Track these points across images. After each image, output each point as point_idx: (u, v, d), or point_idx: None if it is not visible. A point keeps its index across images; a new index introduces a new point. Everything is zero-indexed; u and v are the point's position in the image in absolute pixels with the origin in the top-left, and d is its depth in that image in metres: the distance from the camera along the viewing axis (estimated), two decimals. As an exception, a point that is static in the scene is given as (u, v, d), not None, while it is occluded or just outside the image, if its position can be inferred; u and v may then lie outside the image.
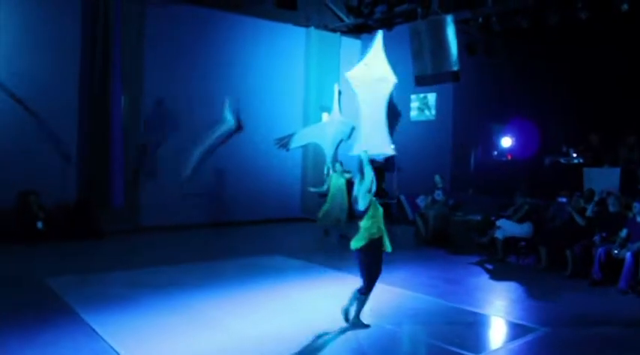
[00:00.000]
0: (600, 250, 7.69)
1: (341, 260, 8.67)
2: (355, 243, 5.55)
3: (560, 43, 11.42)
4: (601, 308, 6.75)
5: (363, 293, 5.57)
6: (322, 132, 10.67)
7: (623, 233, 7.59)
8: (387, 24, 13.18)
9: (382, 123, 7.32)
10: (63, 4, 10.55)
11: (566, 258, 8.22)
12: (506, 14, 10.77)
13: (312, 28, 13.81)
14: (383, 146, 7.24)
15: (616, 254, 7.49)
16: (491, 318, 6.33)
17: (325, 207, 10.42)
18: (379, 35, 7.68)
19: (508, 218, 9.43)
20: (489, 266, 8.97)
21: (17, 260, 8.53)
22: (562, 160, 11.53)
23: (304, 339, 5.28)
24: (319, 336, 5.42)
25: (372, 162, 6.08)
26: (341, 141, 10.38)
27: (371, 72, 7.47)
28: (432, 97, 13.14)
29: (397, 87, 15.04)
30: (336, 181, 10.38)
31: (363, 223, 5.53)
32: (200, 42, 12.15)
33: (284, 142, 10.47)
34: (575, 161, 11.31)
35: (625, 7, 9.14)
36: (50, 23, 10.38)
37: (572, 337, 5.60)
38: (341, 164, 10.58)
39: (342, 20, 14.00)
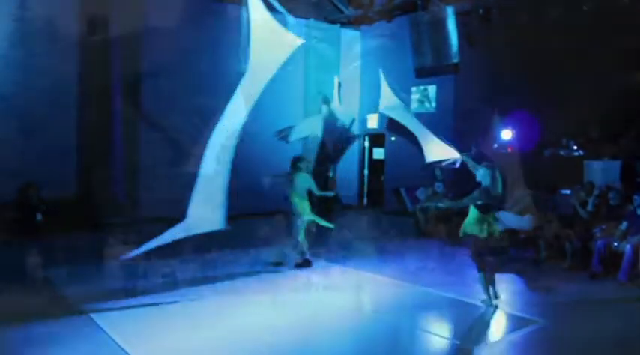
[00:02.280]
0: (600, 243, 7.69)
1: (337, 253, 8.69)
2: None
3: (561, 35, 11.36)
4: (600, 300, 6.76)
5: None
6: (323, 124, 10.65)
7: (623, 226, 7.59)
8: (387, 15, 13.14)
9: None
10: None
11: (565, 251, 8.24)
12: (507, 6, 10.72)
13: (311, 20, 13.75)
14: None
15: (616, 246, 7.50)
16: (490, 310, 6.34)
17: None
18: None
19: (508, 210, 9.41)
20: (489, 259, 8.96)
21: (17, 252, 8.51)
22: (562, 153, 11.51)
23: (301, 330, 5.30)
24: (316, 327, 5.43)
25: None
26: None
27: None
28: (432, 89, 13.09)
29: (397, 78, 14.84)
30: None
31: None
32: (199, 33, 12.08)
33: (284, 134, 10.46)
34: (576, 154, 11.29)
35: (628, -2, 9.11)
36: (49, 10, 10.30)
37: (571, 329, 5.61)
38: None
39: (341, 12, 13.94)
